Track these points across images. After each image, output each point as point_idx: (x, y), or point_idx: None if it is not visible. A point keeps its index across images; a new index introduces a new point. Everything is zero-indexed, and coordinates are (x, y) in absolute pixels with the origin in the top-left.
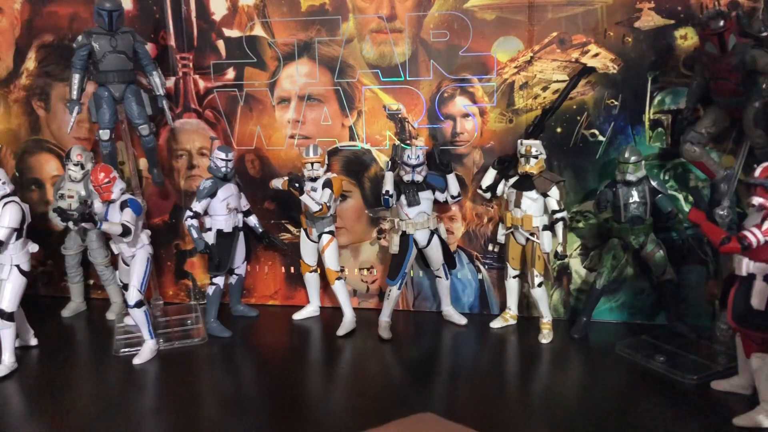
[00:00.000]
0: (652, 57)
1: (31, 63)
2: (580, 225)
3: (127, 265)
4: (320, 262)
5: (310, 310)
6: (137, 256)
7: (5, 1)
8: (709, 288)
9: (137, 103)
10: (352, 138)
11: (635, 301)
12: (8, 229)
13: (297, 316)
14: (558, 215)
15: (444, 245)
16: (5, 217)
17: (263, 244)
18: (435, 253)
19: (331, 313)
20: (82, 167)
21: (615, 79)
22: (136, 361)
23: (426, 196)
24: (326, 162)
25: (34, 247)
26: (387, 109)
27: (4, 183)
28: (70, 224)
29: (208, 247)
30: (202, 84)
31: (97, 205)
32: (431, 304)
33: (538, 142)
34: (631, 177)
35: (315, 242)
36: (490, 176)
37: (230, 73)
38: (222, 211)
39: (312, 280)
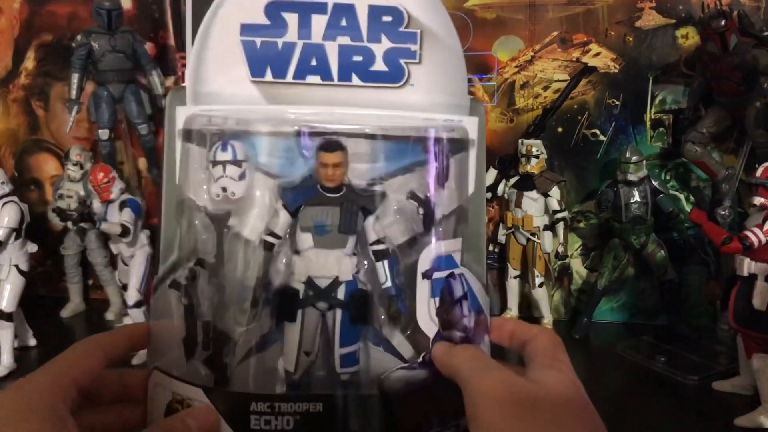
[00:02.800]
0: (653, 56)
1: (30, 62)
2: (581, 225)
3: (127, 265)
4: None
5: None
6: (136, 256)
7: (4, 0)
8: (710, 288)
9: (137, 103)
10: None
11: (636, 301)
12: (7, 230)
13: None
14: (559, 215)
15: None
16: (4, 217)
17: None
18: None
19: None
20: (81, 167)
21: (616, 78)
22: (135, 361)
23: None
24: None
25: (33, 247)
26: None
27: (3, 183)
28: (69, 224)
29: None
30: None
31: (96, 205)
32: None
33: (538, 141)
34: (632, 177)
35: None
36: (490, 176)
37: None
38: None
39: None
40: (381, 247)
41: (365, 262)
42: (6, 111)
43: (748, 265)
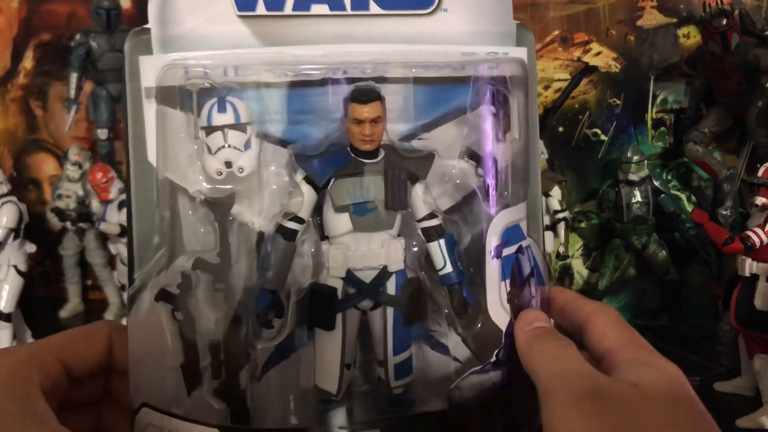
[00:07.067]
0: (654, 56)
1: (28, 62)
2: (582, 225)
3: (126, 265)
4: None
5: None
6: None
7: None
8: (712, 289)
9: None
10: None
11: (638, 302)
12: (6, 230)
13: None
14: (560, 215)
15: None
16: (2, 218)
17: None
18: None
19: None
20: (80, 167)
21: (617, 77)
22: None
23: None
24: None
25: (31, 248)
26: None
27: (1, 183)
28: (68, 224)
29: None
30: None
31: (95, 205)
32: None
33: (539, 141)
34: (633, 177)
35: None
36: None
37: None
38: None
39: None
40: (434, 222)
41: (413, 244)
42: (4, 111)
43: (749, 266)
